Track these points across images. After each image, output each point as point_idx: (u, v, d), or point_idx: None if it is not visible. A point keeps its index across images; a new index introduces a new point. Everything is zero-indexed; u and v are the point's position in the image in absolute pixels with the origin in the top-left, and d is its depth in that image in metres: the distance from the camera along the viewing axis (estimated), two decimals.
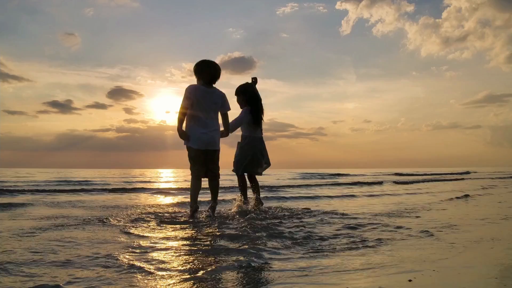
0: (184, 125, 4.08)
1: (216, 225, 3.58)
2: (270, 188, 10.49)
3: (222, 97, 4.20)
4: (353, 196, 7.73)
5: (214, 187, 4.27)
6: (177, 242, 2.75)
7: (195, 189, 4.13)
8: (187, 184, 12.66)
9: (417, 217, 4.32)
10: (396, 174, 26.34)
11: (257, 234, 3.08)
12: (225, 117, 4.29)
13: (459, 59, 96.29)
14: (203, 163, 4.13)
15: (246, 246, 2.58)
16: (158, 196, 8.17)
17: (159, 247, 2.57)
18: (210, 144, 4.08)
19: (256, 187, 4.81)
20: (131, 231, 3.24)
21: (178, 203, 5.83)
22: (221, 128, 4.30)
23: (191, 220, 3.96)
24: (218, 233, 3.10)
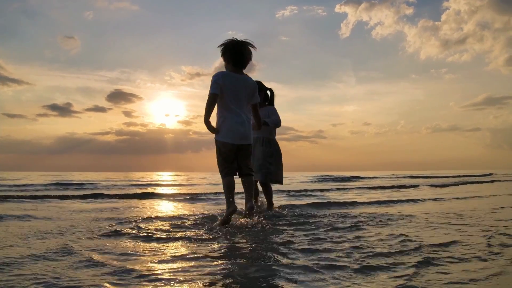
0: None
1: (257, 238, 2.65)
2: (298, 191, 9.26)
3: (254, 85, 3.65)
4: (410, 201, 6.46)
5: (249, 185, 3.64)
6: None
7: (228, 187, 3.52)
8: (197, 189, 11.54)
9: None
10: (411, 176, 25.13)
11: (321, 268, 1.97)
12: (255, 108, 3.74)
13: (459, 62, 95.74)
14: (235, 159, 3.58)
15: None
16: (166, 201, 6.86)
17: None
18: (245, 137, 3.55)
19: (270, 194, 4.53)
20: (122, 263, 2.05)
21: (198, 214, 4.59)
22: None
23: (224, 228, 3.21)
24: (266, 263, 2.04)
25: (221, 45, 3.57)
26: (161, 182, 18.44)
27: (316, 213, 4.42)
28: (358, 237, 2.81)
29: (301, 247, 2.44)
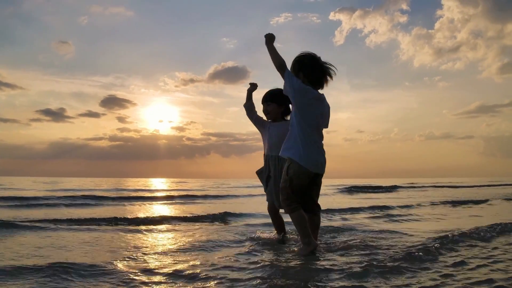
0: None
1: None
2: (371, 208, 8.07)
3: (329, 109, 3.22)
4: None
5: (317, 224, 3.26)
6: None
7: (302, 222, 3.01)
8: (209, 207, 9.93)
9: None
10: (435, 186, 24.13)
11: None
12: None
13: (452, 70, 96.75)
14: (303, 194, 3.10)
15: None
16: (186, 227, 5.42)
17: None
18: (323, 166, 3.13)
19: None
20: None
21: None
22: None
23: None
24: None
25: (305, 58, 3.09)
26: (173, 192, 17.00)
27: None
28: None
29: None
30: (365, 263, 2.67)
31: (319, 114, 3.08)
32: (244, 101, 3.81)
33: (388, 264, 2.66)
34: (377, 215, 6.88)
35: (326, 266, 2.65)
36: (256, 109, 3.86)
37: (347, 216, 6.57)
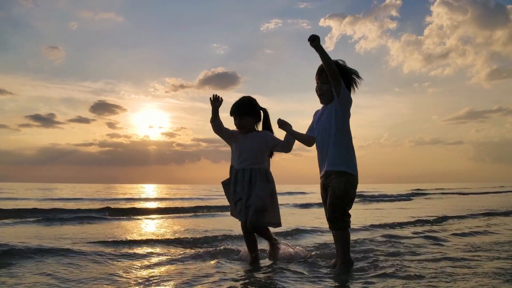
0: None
1: None
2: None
3: None
4: None
5: None
6: None
7: (349, 238, 3.00)
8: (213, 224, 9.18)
9: None
10: (443, 193, 23.90)
11: None
12: None
13: (441, 76, 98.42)
14: None
15: None
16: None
17: None
18: None
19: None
20: None
21: None
22: None
23: None
24: None
25: (349, 70, 3.06)
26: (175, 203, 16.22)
27: None
28: None
29: None
30: None
31: None
32: (211, 117, 3.55)
33: None
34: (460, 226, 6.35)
35: None
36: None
37: (419, 230, 5.98)
